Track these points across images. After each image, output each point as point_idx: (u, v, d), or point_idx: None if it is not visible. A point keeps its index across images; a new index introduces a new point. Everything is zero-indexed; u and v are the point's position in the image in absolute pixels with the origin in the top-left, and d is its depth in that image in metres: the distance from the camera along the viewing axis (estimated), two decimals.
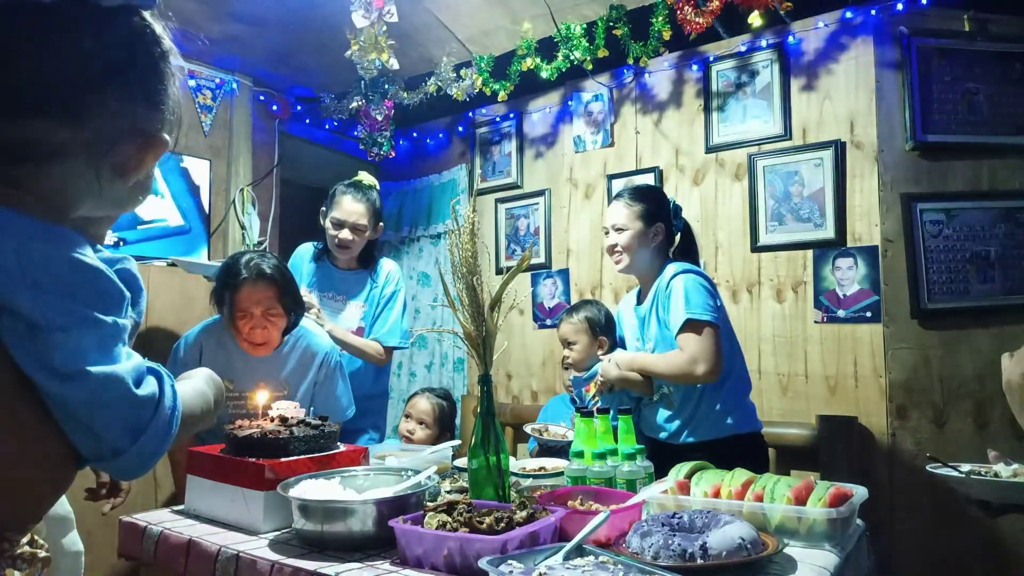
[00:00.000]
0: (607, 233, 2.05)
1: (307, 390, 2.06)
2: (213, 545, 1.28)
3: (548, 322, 3.31)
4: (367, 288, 2.52)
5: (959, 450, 2.35)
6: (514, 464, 1.82)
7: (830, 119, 2.63)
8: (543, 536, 1.13)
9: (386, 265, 2.58)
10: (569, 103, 3.27)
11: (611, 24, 2.80)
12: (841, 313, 2.56)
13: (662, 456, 1.66)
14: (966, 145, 2.55)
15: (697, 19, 2.55)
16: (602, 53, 2.84)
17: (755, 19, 2.50)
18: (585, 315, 2.29)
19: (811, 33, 2.68)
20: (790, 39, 2.71)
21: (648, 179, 3.01)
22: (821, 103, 2.65)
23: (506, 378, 3.40)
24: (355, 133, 3.41)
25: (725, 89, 2.86)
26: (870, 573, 1.38)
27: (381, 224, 2.53)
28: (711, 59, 2.88)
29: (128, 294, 0.67)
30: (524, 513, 1.17)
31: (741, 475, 1.35)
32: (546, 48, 2.96)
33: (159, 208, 2.91)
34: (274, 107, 3.45)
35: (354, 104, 3.26)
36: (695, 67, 2.93)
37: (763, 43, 2.76)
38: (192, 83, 3.11)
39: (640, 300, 2.07)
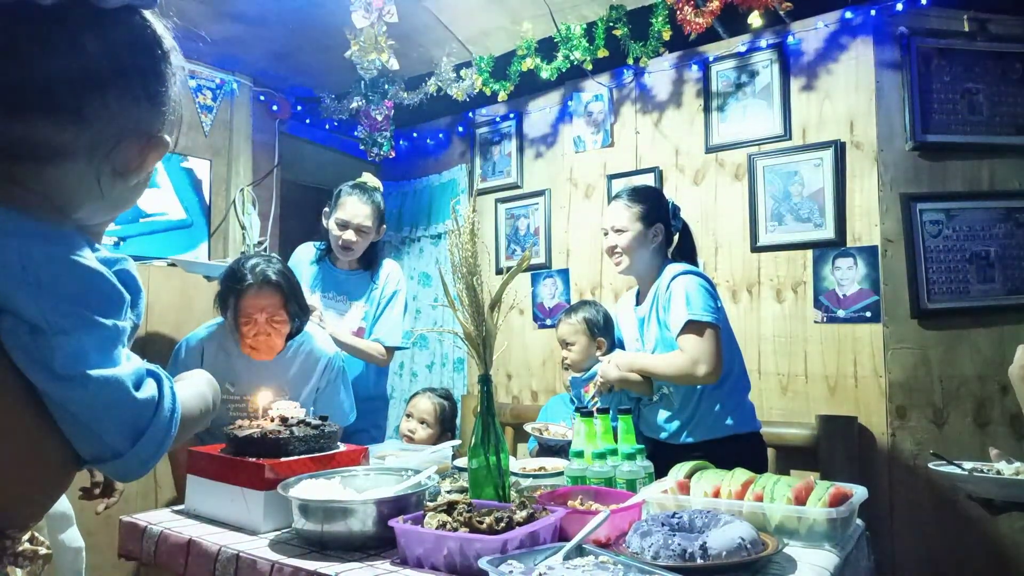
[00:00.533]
0: (606, 234, 2.05)
1: (309, 395, 2.06)
2: (213, 545, 1.28)
3: (548, 322, 3.31)
4: (368, 289, 2.52)
5: (959, 450, 2.35)
6: (514, 464, 1.82)
7: (830, 119, 2.63)
8: (543, 536, 1.14)
9: (387, 266, 2.59)
10: (569, 103, 3.27)
11: (611, 24, 2.80)
12: (841, 313, 2.56)
13: (662, 456, 1.66)
14: (966, 145, 2.55)
15: (697, 19, 2.55)
16: (602, 53, 2.84)
17: (755, 19, 2.50)
18: (583, 316, 2.29)
19: (811, 33, 2.68)
20: (790, 39, 2.71)
21: (648, 179, 3.01)
22: (821, 103, 2.65)
23: (506, 378, 3.40)
24: (355, 133, 3.41)
25: (725, 89, 2.86)
26: (870, 573, 1.38)
27: (384, 226, 2.53)
28: (711, 59, 2.89)
29: (127, 297, 0.67)
30: (524, 513, 1.17)
31: (741, 475, 1.35)
32: (546, 48, 2.96)
33: (161, 202, 2.91)
34: (274, 107, 3.45)
35: (354, 104, 3.26)
36: (695, 67, 2.93)
37: (763, 43, 2.76)
38: (192, 83, 3.11)
39: (639, 301, 2.07)
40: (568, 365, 2.31)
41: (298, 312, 1.97)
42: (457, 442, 1.98)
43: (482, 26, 3.05)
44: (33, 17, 0.62)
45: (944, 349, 2.48)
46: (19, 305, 0.59)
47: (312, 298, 2.31)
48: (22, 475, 0.64)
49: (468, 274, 1.38)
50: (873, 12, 2.54)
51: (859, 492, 1.30)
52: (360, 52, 2.57)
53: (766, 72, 2.76)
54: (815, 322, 2.61)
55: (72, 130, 0.66)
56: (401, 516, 1.19)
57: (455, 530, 1.12)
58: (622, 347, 2.16)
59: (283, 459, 1.41)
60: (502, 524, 1.12)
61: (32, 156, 0.65)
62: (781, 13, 2.55)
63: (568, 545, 1.07)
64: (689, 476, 1.41)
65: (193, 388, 0.86)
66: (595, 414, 1.60)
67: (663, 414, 1.94)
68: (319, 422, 1.56)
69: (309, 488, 1.33)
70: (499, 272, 3.29)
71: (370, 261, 2.53)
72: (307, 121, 3.66)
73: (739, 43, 2.82)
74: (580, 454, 1.54)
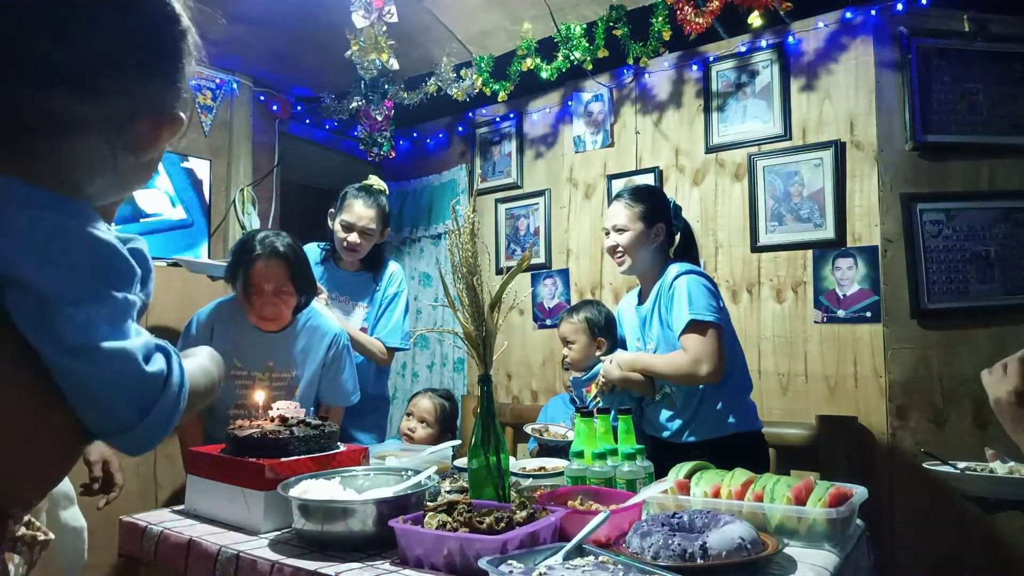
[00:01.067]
0: (607, 234, 2.05)
1: (315, 370, 2.08)
2: (213, 545, 1.28)
3: (548, 322, 3.31)
4: (371, 290, 2.53)
5: (959, 450, 2.33)
6: (514, 464, 1.83)
7: (830, 119, 2.63)
8: (543, 536, 1.14)
9: (390, 268, 2.60)
10: (569, 103, 3.27)
11: (611, 24, 2.80)
12: (841, 313, 2.56)
13: (664, 455, 1.67)
14: (966, 145, 2.55)
15: (697, 19, 2.55)
16: (602, 53, 2.84)
17: (755, 19, 2.50)
18: (585, 315, 2.29)
19: (811, 33, 2.68)
20: (790, 39, 2.71)
21: (648, 179, 3.01)
22: (821, 103, 2.65)
23: (506, 378, 3.40)
24: (355, 133, 3.41)
25: (725, 89, 2.86)
26: (870, 573, 1.38)
27: (388, 229, 2.55)
28: (711, 59, 2.89)
29: (139, 271, 0.67)
30: (524, 513, 1.17)
31: (741, 475, 1.35)
32: (546, 48, 2.96)
33: (160, 202, 2.92)
34: (274, 107, 3.45)
35: (354, 104, 3.26)
36: (695, 67, 2.93)
37: (763, 43, 2.76)
38: (192, 83, 3.10)
39: (641, 300, 2.07)
40: (568, 364, 2.31)
41: (305, 285, 2.01)
42: (457, 442, 1.98)
43: (482, 26, 3.05)
44: None
45: (944, 349, 2.48)
46: (28, 276, 0.59)
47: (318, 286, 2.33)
48: (29, 449, 0.64)
49: (468, 274, 1.38)
50: (873, 12, 2.54)
51: (859, 492, 1.30)
52: (360, 52, 2.57)
53: (766, 72, 2.77)
54: (815, 322, 2.61)
55: (88, 104, 0.66)
56: (401, 516, 1.19)
57: (455, 530, 1.12)
58: (624, 347, 2.16)
59: (283, 459, 1.41)
60: (502, 524, 1.12)
61: (47, 129, 0.65)
62: (781, 13, 2.55)
63: (568, 545, 1.08)
64: (689, 476, 1.41)
65: (199, 363, 0.86)
66: (595, 414, 1.60)
67: (665, 413, 1.94)
68: (319, 422, 1.56)
69: (309, 488, 1.33)
70: (499, 272, 3.29)
71: (374, 263, 2.54)
72: (307, 121, 3.66)
73: (739, 43, 2.82)
74: (580, 454, 1.54)
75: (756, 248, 2.75)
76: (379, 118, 3.22)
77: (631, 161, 3.09)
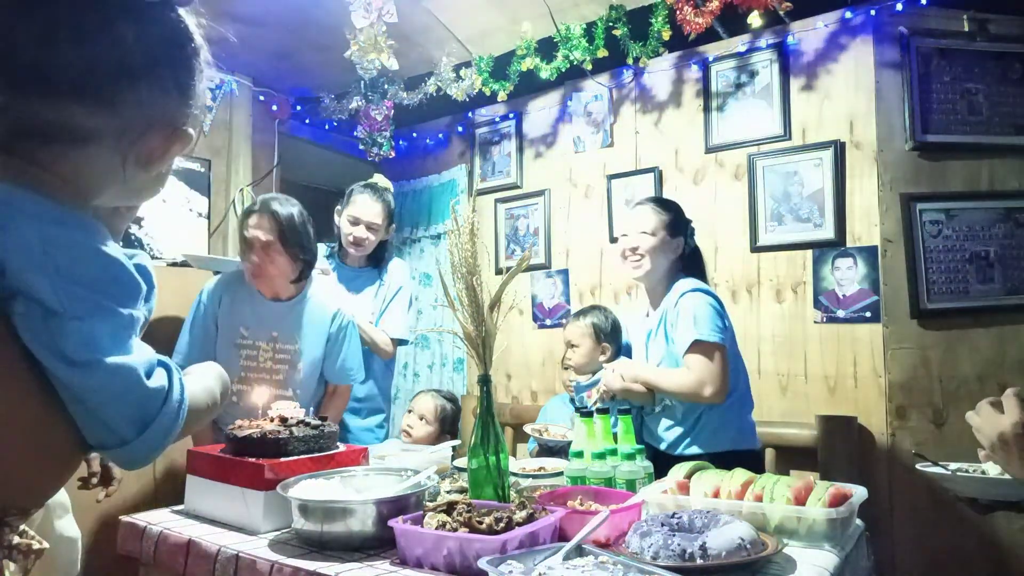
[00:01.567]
0: (625, 237, 2.03)
1: (319, 344, 2.12)
2: (213, 545, 1.28)
3: (548, 322, 3.31)
4: (376, 286, 2.55)
5: (959, 450, 2.34)
6: (514, 464, 1.83)
7: (830, 119, 2.63)
8: (543, 536, 1.14)
9: (394, 264, 2.64)
10: (569, 103, 3.27)
11: (610, 24, 2.80)
12: (841, 313, 2.56)
13: (661, 465, 1.66)
14: (966, 145, 2.55)
15: (696, 19, 2.55)
16: (601, 53, 2.84)
17: (754, 19, 2.50)
18: (592, 320, 2.30)
19: (811, 33, 2.68)
20: (790, 39, 2.71)
21: (648, 179, 3.01)
22: (821, 103, 2.65)
23: (506, 378, 3.40)
24: (355, 133, 3.41)
25: (725, 89, 2.86)
26: (869, 573, 1.38)
27: (393, 226, 2.59)
28: (711, 59, 2.89)
29: (144, 287, 0.68)
30: (524, 513, 1.17)
31: (741, 475, 1.35)
32: (546, 48, 2.96)
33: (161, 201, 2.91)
34: (274, 107, 3.45)
35: (354, 104, 3.26)
36: (695, 67, 2.93)
37: (763, 43, 2.76)
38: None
39: (649, 312, 2.07)
40: (570, 366, 2.31)
41: (299, 251, 2.03)
42: (457, 442, 1.98)
43: (482, 26, 3.05)
44: (74, 3, 0.64)
45: (944, 349, 2.48)
46: (36, 288, 0.59)
47: (325, 265, 2.41)
48: (28, 459, 0.64)
49: (468, 274, 1.38)
50: (873, 12, 2.54)
51: (859, 492, 1.30)
52: (360, 52, 2.57)
53: (766, 72, 2.76)
54: (815, 322, 2.61)
55: (102, 116, 0.67)
56: (401, 516, 1.19)
57: (455, 530, 1.12)
58: (629, 353, 2.16)
59: (283, 459, 1.41)
60: (502, 524, 1.12)
61: (60, 139, 0.66)
62: (781, 13, 2.55)
63: (568, 545, 1.07)
64: (689, 476, 1.41)
65: (201, 382, 0.86)
66: (595, 414, 1.60)
67: (664, 423, 1.94)
68: (319, 422, 1.56)
69: (309, 488, 1.33)
70: (499, 272, 3.29)
71: (379, 260, 2.58)
72: (307, 121, 3.66)
73: (739, 43, 2.82)
74: (580, 454, 1.54)
75: (756, 248, 2.75)
76: (379, 118, 3.22)
77: (631, 161, 3.09)
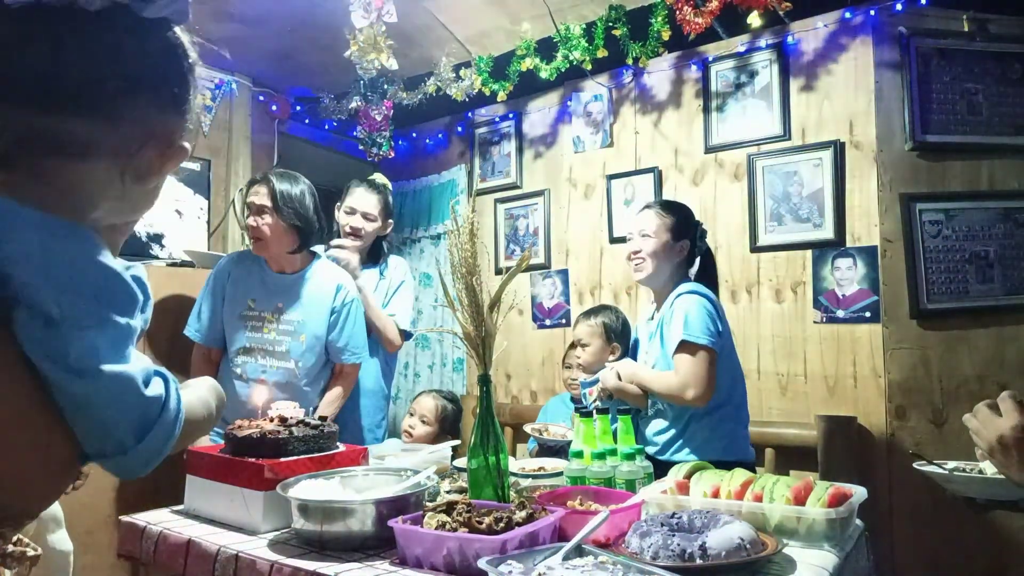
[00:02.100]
0: (630, 239, 2.04)
1: (323, 317, 2.20)
2: (212, 545, 1.28)
3: (547, 322, 3.31)
4: (376, 281, 2.56)
5: (958, 450, 2.34)
6: (513, 464, 1.83)
7: (829, 119, 2.63)
8: (542, 536, 1.14)
9: (394, 260, 2.66)
10: (568, 103, 3.27)
11: (610, 24, 2.80)
12: (840, 313, 2.56)
13: (655, 472, 1.66)
14: (965, 145, 2.55)
15: (696, 19, 2.55)
16: (601, 53, 2.84)
17: (754, 19, 2.50)
18: (603, 320, 2.30)
19: (810, 33, 2.68)
20: (789, 39, 2.71)
21: (647, 179, 3.01)
22: (820, 103, 2.65)
23: (505, 378, 3.40)
24: (354, 133, 3.41)
25: (724, 89, 2.86)
26: (869, 573, 1.38)
27: (391, 221, 2.62)
28: (710, 59, 2.89)
29: (141, 298, 0.69)
30: (523, 513, 1.17)
31: (740, 475, 1.35)
32: (545, 48, 2.96)
33: (159, 201, 2.91)
34: (273, 107, 3.45)
35: (353, 104, 3.26)
36: (694, 67, 2.93)
37: (762, 43, 2.76)
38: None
39: (653, 315, 2.07)
40: (579, 365, 2.31)
41: (294, 219, 2.14)
42: (456, 442, 1.98)
43: (481, 26, 3.05)
44: (77, 18, 0.65)
45: (943, 349, 2.48)
46: (37, 298, 0.61)
47: (344, 243, 2.48)
48: (27, 468, 0.65)
49: (467, 274, 1.38)
50: (872, 12, 2.54)
51: (858, 492, 1.31)
52: (359, 52, 2.57)
53: (765, 72, 2.77)
54: (814, 322, 2.61)
55: (102, 130, 0.68)
56: (400, 516, 1.19)
57: (454, 530, 1.12)
58: (636, 354, 2.16)
59: (282, 459, 1.41)
60: (501, 524, 1.12)
61: (60, 153, 0.67)
62: (780, 13, 2.55)
63: (567, 545, 1.07)
64: (688, 476, 1.41)
65: (197, 394, 0.87)
66: (595, 414, 1.60)
67: (655, 427, 1.95)
68: (318, 422, 1.56)
69: (308, 488, 1.33)
70: (498, 272, 3.29)
71: (378, 255, 2.60)
72: (306, 121, 3.66)
73: (738, 43, 2.82)
74: (580, 454, 1.54)
75: (755, 248, 2.75)
76: (378, 118, 3.22)
77: (630, 161, 3.09)
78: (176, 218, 3.03)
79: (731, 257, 2.81)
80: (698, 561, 1.05)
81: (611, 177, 3.12)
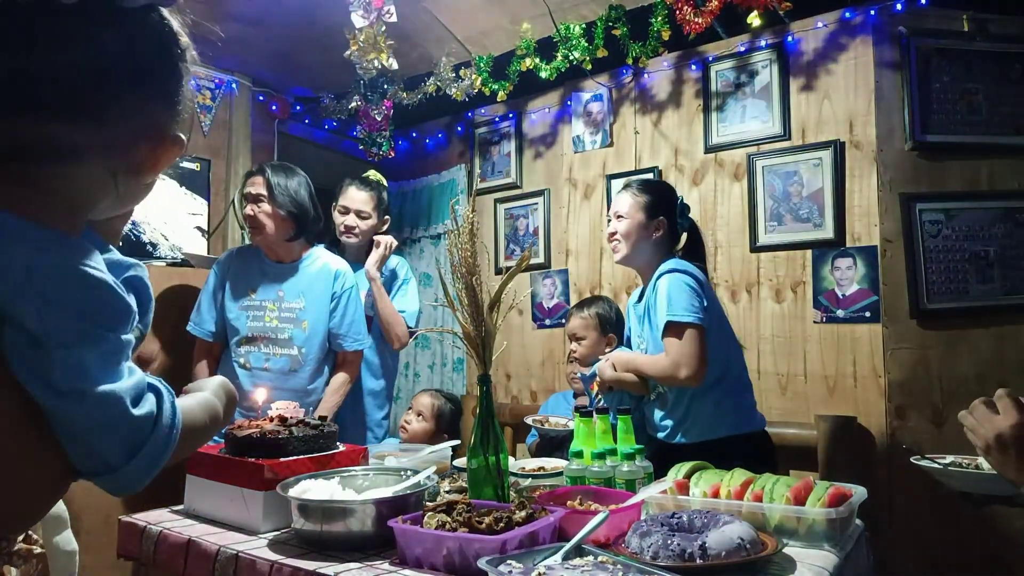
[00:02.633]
0: (609, 222, 2.05)
1: (324, 302, 2.26)
2: (212, 545, 1.28)
3: (547, 322, 3.31)
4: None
5: (958, 450, 2.34)
6: (513, 464, 1.83)
7: (829, 119, 2.63)
8: (542, 536, 1.14)
9: (394, 259, 2.67)
10: (568, 103, 3.27)
11: (610, 24, 2.80)
12: (840, 313, 2.56)
13: (663, 455, 1.66)
14: (965, 145, 2.55)
15: (696, 19, 2.55)
16: (601, 53, 2.84)
17: (754, 19, 2.50)
18: (596, 311, 2.28)
19: (810, 33, 2.68)
20: (789, 39, 2.71)
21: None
22: (820, 103, 2.65)
23: (505, 378, 3.40)
24: (354, 133, 3.41)
25: (724, 89, 2.86)
26: (869, 573, 1.38)
27: (388, 217, 2.65)
28: (710, 59, 2.89)
29: (135, 309, 0.66)
30: (523, 513, 1.17)
31: (740, 475, 1.35)
32: (545, 48, 2.96)
33: (160, 201, 2.91)
34: (273, 107, 3.44)
35: (353, 104, 3.26)
36: (694, 67, 2.93)
37: (762, 43, 2.76)
38: (191, 83, 3.10)
39: (640, 297, 2.06)
40: (575, 359, 2.30)
41: (290, 207, 2.20)
42: (456, 442, 1.98)
43: (481, 26, 3.05)
44: (54, 12, 0.61)
45: (943, 349, 2.48)
46: (21, 316, 0.58)
47: (384, 239, 2.56)
48: (18, 484, 0.64)
49: (467, 274, 1.38)
50: (872, 12, 2.54)
51: (858, 492, 1.30)
52: (359, 52, 2.57)
53: (765, 72, 2.77)
54: (814, 322, 2.61)
55: (90, 129, 0.65)
56: (400, 516, 1.19)
57: (454, 530, 1.12)
58: (629, 344, 2.15)
59: (282, 459, 1.41)
60: (501, 524, 1.12)
61: (48, 156, 0.64)
62: (780, 13, 2.55)
63: (567, 545, 1.07)
64: (688, 476, 1.41)
65: (200, 398, 0.85)
66: (595, 414, 1.60)
67: (659, 413, 1.93)
68: (318, 422, 1.56)
69: (308, 488, 1.33)
70: (498, 272, 3.29)
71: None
72: (306, 121, 3.66)
73: (738, 43, 2.82)
74: (579, 454, 1.54)
75: (755, 248, 2.75)
76: (378, 118, 3.22)
77: (630, 161, 3.09)
78: (175, 218, 3.03)
79: (731, 257, 2.81)
80: (698, 561, 1.05)
81: (611, 177, 3.11)
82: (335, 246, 2.59)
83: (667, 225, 1.98)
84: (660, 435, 1.93)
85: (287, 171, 2.26)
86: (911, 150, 2.53)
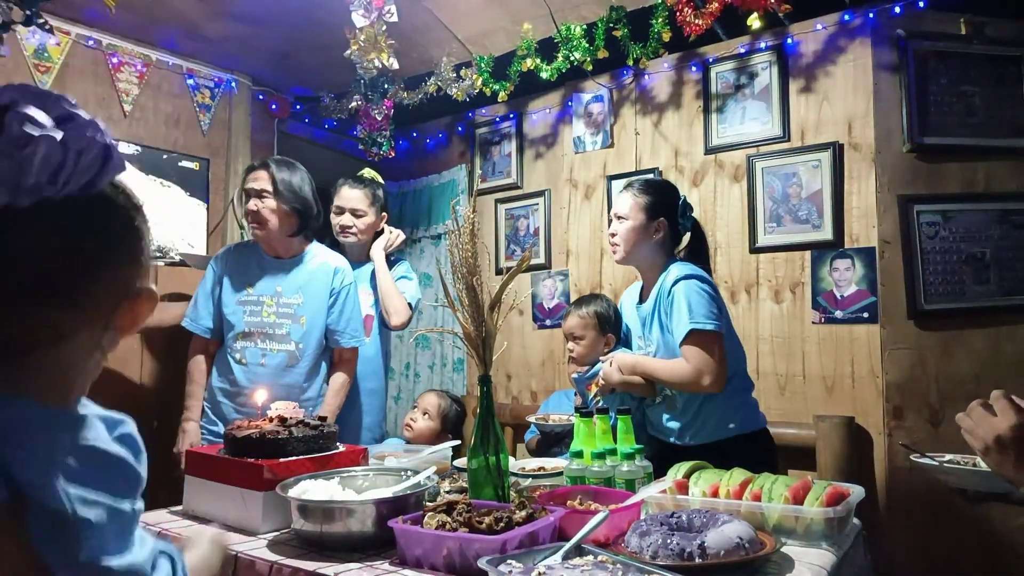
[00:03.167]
0: (610, 223, 2.05)
1: (323, 299, 2.25)
2: None
3: (548, 322, 3.31)
4: (375, 279, 2.56)
5: (955, 450, 2.35)
6: (513, 464, 1.83)
7: (828, 121, 2.63)
8: (542, 536, 1.14)
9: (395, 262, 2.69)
10: (569, 104, 3.28)
11: (611, 25, 2.81)
12: (839, 314, 2.56)
13: (669, 457, 1.65)
14: (962, 147, 2.56)
15: (696, 21, 2.56)
16: (602, 54, 2.85)
17: (754, 21, 2.51)
18: (595, 310, 2.25)
19: (809, 35, 2.68)
20: (789, 41, 2.72)
21: None
22: (819, 105, 2.66)
23: (505, 378, 3.41)
24: (355, 133, 3.41)
25: (724, 91, 2.86)
26: (867, 572, 1.38)
27: (385, 214, 2.64)
28: (710, 61, 2.89)
29: (144, 477, 0.69)
30: (523, 513, 1.17)
31: (739, 475, 1.36)
32: (546, 49, 2.96)
33: (159, 201, 2.91)
34: (273, 106, 3.45)
35: (354, 104, 3.26)
36: (694, 68, 2.93)
37: (762, 45, 2.77)
38: (190, 81, 3.11)
39: (642, 299, 2.04)
40: (573, 359, 2.28)
41: (294, 203, 2.21)
42: (456, 442, 1.99)
43: (482, 26, 3.05)
44: (18, 220, 0.63)
45: (940, 350, 2.49)
46: (43, 495, 0.60)
47: (394, 231, 2.60)
48: None
49: (468, 274, 1.38)
50: (871, 15, 2.55)
51: (856, 491, 1.31)
52: (360, 52, 2.57)
53: (765, 74, 2.77)
54: (813, 323, 2.62)
55: (71, 312, 0.67)
56: (400, 516, 1.19)
57: (454, 530, 1.12)
58: (627, 340, 2.14)
59: (282, 460, 1.41)
60: (501, 524, 1.12)
61: (36, 346, 0.67)
62: (780, 15, 2.56)
63: (567, 545, 1.08)
64: (688, 476, 1.41)
65: (200, 556, 0.92)
66: (595, 414, 1.61)
67: (666, 416, 1.92)
68: (318, 422, 1.57)
69: (308, 489, 1.33)
70: (499, 272, 3.29)
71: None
72: (306, 120, 3.66)
73: (738, 45, 2.83)
74: (579, 454, 1.54)
75: (755, 249, 2.75)
76: (379, 118, 3.22)
77: (631, 162, 3.09)
78: (173, 218, 3.03)
79: (730, 258, 2.81)
80: (697, 560, 1.06)
81: (612, 178, 3.12)
82: (335, 247, 2.59)
83: (668, 226, 1.97)
84: (671, 438, 1.91)
85: (290, 166, 2.26)
86: (909, 152, 2.53)
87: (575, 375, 2.20)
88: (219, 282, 2.25)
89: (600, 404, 1.95)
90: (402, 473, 1.45)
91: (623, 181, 3.06)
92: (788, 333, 2.67)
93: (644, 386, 1.91)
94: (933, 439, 2.43)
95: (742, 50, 2.82)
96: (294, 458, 1.43)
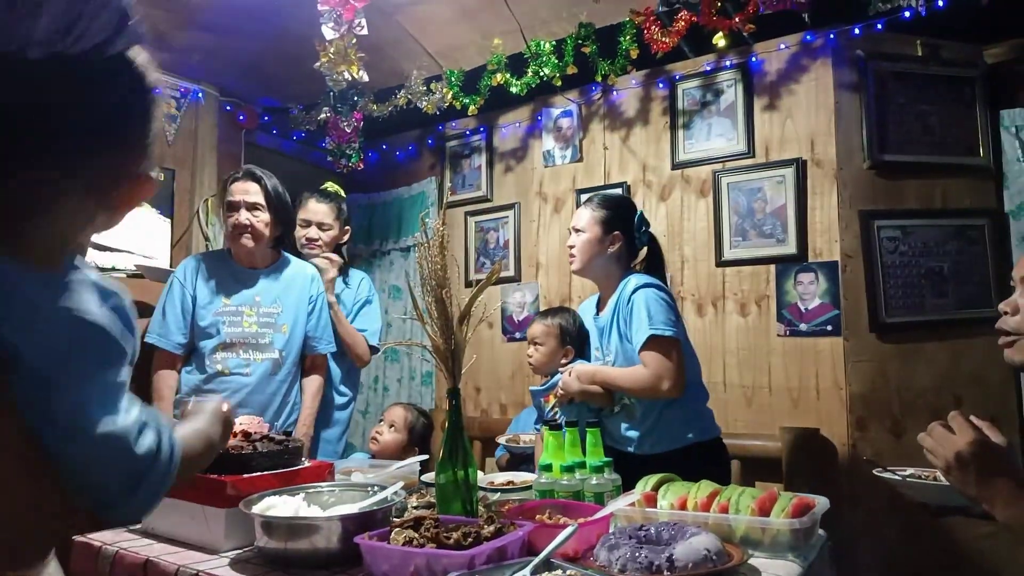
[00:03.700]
0: (571, 234, 2.08)
1: (302, 306, 2.26)
2: (171, 565, 1.24)
3: (517, 335, 3.31)
4: (339, 291, 2.54)
5: (917, 460, 2.40)
6: (482, 478, 1.81)
7: (791, 137, 2.70)
8: (511, 551, 1.13)
9: (358, 275, 2.67)
10: (539, 118, 3.30)
11: (580, 42, 2.85)
12: (803, 327, 2.61)
13: (628, 467, 1.66)
14: (920, 164, 2.64)
15: (663, 39, 2.61)
16: (571, 70, 2.88)
17: (719, 40, 2.57)
18: (559, 321, 2.27)
19: (773, 55, 2.75)
20: (753, 60, 2.78)
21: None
22: (783, 122, 2.72)
23: (475, 391, 3.39)
24: (323, 144, 3.38)
25: (690, 107, 2.92)
26: None
27: (348, 228, 2.64)
28: (677, 78, 2.95)
29: (128, 349, 0.69)
30: (492, 528, 1.16)
31: (707, 487, 1.37)
32: (516, 64, 2.99)
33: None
34: (241, 117, 3.40)
35: (323, 116, 3.24)
36: (661, 85, 2.99)
37: (727, 63, 2.83)
38: (156, 91, 3.05)
39: (599, 309, 2.07)
40: (530, 364, 2.30)
41: (280, 212, 2.21)
42: (424, 457, 1.96)
43: (452, 40, 3.07)
44: (31, 71, 0.63)
45: (901, 362, 2.55)
46: (27, 359, 0.61)
47: (330, 257, 2.52)
48: (26, 518, 0.65)
49: (437, 287, 1.38)
50: (832, 36, 2.63)
51: (821, 502, 1.33)
52: (330, 64, 2.56)
53: (730, 91, 2.83)
54: (778, 335, 2.66)
55: (71, 177, 0.68)
56: (367, 532, 1.17)
57: (422, 546, 1.11)
58: (587, 356, 2.16)
59: (245, 475, 1.38)
60: (469, 539, 1.11)
61: (31, 209, 0.67)
62: (744, 34, 2.62)
63: (536, 560, 1.07)
64: (656, 488, 1.42)
65: (195, 428, 0.89)
66: (564, 427, 1.60)
67: (624, 425, 1.94)
68: (283, 437, 1.54)
69: (272, 505, 1.30)
70: (468, 285, 3.29)
71: (341, 266, 2.58)
72: (274, 132, 3.63)
73: (704, 63, 2.89)
74: (548, 467, 1.54)
75: (720, 263, 2.80)
76: (348, 130, 3.20)
77: (600, 176, 3.12)
78: (136, 229, 2.96)
79: (697, 271, 2.85)
80: (665, 573, 1.06)
81: (580, 191, 3.15)
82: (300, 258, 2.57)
83: (624, 239, 2.01)
84: (629, 448, 1.93)
85: (271, 176, 2.24)
86: (869, 168, 2.61)
87: (532, 388, 2.21)
88: (191, 294, 2.18)
89: (558, 415, 1.95)
90: (369, 489, 1.43)
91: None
92: (754, 346, 2.71)
93: (602, 396, 1.93)
94: (895, 449, 2.48)
95: (708, 68, 2.88)
96: (258, 474, 1.40)
